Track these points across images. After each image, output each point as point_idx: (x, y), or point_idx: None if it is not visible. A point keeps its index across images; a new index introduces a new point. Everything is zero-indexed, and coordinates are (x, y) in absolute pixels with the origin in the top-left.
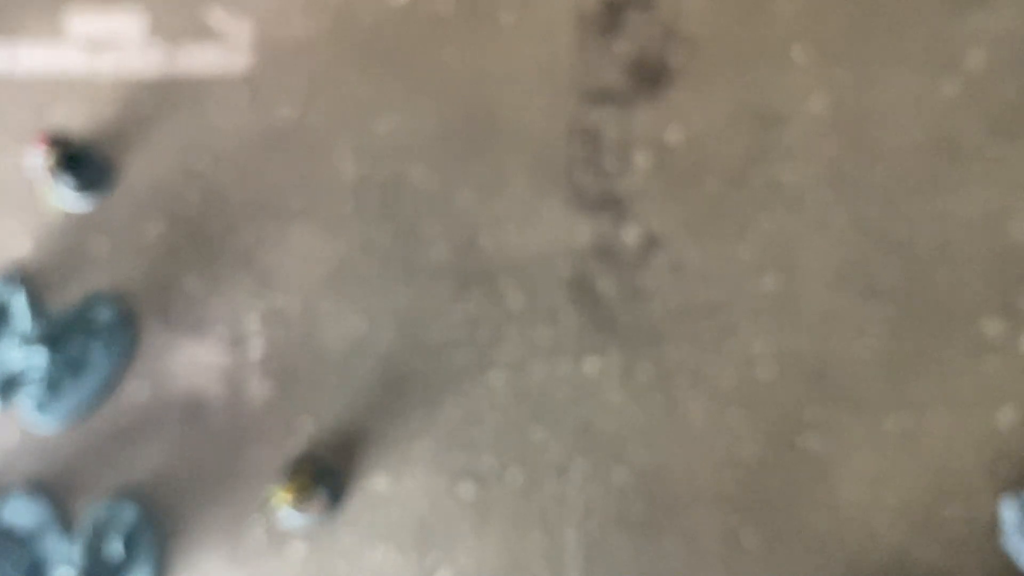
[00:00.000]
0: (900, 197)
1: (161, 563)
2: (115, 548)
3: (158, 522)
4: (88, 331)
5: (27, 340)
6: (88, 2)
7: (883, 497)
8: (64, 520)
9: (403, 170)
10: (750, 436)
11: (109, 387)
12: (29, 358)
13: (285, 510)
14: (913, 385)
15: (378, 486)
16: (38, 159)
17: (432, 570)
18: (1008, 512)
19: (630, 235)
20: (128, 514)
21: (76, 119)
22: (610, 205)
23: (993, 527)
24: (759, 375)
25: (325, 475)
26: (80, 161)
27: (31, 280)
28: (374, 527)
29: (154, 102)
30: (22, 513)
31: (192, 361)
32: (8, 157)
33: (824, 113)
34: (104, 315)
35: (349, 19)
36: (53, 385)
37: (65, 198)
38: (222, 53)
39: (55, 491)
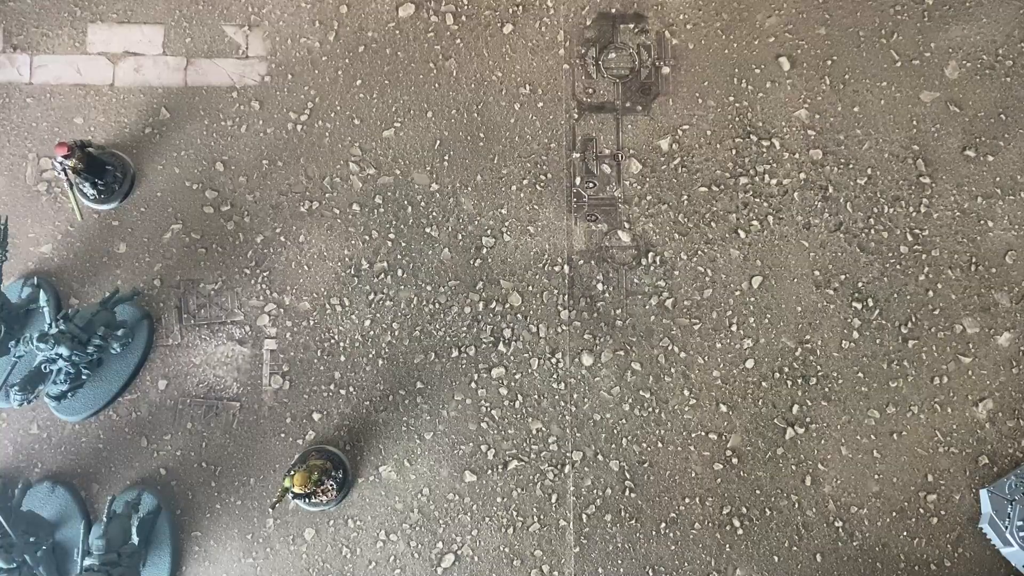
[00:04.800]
0: (881, 202)
1: (177, 550)
2: (133, 536)
3: (174, 511)
4: (108, 328)
5: (50, 337)
6: (109, 17)
7: (865, 487)
8: (84, 509)
9: (408, 176)
10: (738, 430)
11: (128, 382)
12: (51, 354)
13: (295, 500)
14: (894, 382)
15: (384, 478)
16: (61, 165)
17: (435, 558)
18: (987, 502)
19: (624, 238)
20: (145, 503)
21: (97, 127)
22: (605, 210)
23: (971, 516)
24: (747, 372)
25: (333, 467)
26: (100, 167)
27: (53, 280)
28: (380, 517)
29: (171, 111)
30: (45, 502)
31: (206, 357)
32: (32, 164)
33: (808, 122)
34: (123, 313)
35: (356, 33)
36: (74, 380)
37: (86, 202)
38: (236, 65)
39: (76, 481)
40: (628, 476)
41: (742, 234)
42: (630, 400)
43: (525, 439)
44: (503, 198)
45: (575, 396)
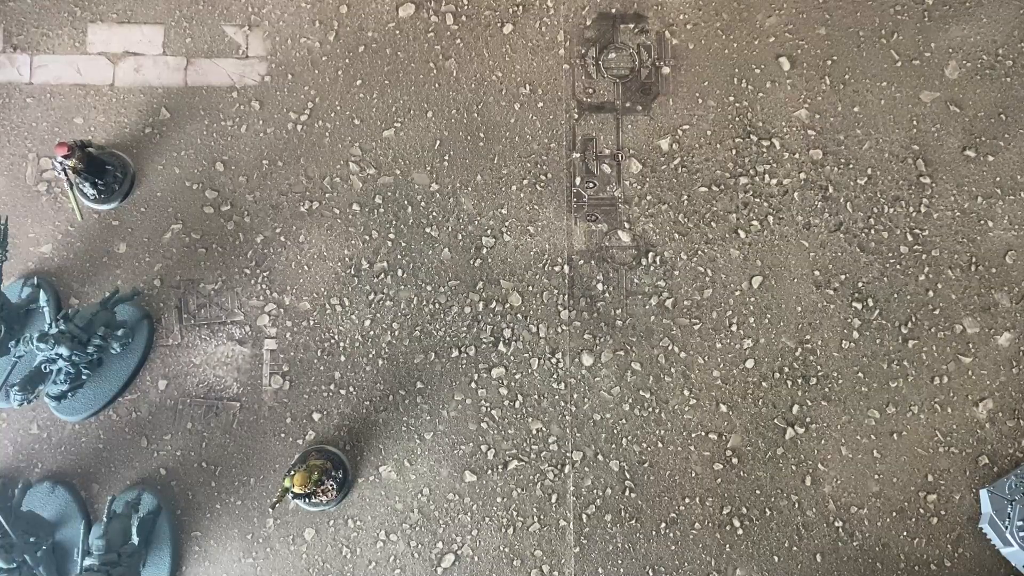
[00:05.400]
0: (881, 202)
1: (176, 550)
2: (133, 536)
3: (174, 511)
4: (108, 328)
5: (50, 337)
6: (109, 17)
7: (865, 487)
8: (84, 509)
9: (408, 176)
10: (738, 430)
11: (128, 382)
12: (51, 354)
13: (295, 500)
14: (894, 382)
15: (384, 478)
16: (61, 165)
17: (436, 558)
18: (987, 502)
19: (624, 238)
20: (145, 503)
21: (97, 127)
22: (605, 210)
23: (971, 516)
24: (747, 372)
25: (333, 467)
26: (100, 167)
27: (53, 280)
28: (380, 517)
29: (171, 111)
30: (45, 502)
31: (206, 357)
32: (32, 164)
33: (808, 122)
34: (123, 313)
35: (356, 33)
36: (74, 380)
37: (86, 202)
38: (236, 65)
39: (76, 481)
40: (628, 476)
41: (742, 234)
42: (630, 400)
43: (525, 439)
44: (503, 198)
45: (575, 396)
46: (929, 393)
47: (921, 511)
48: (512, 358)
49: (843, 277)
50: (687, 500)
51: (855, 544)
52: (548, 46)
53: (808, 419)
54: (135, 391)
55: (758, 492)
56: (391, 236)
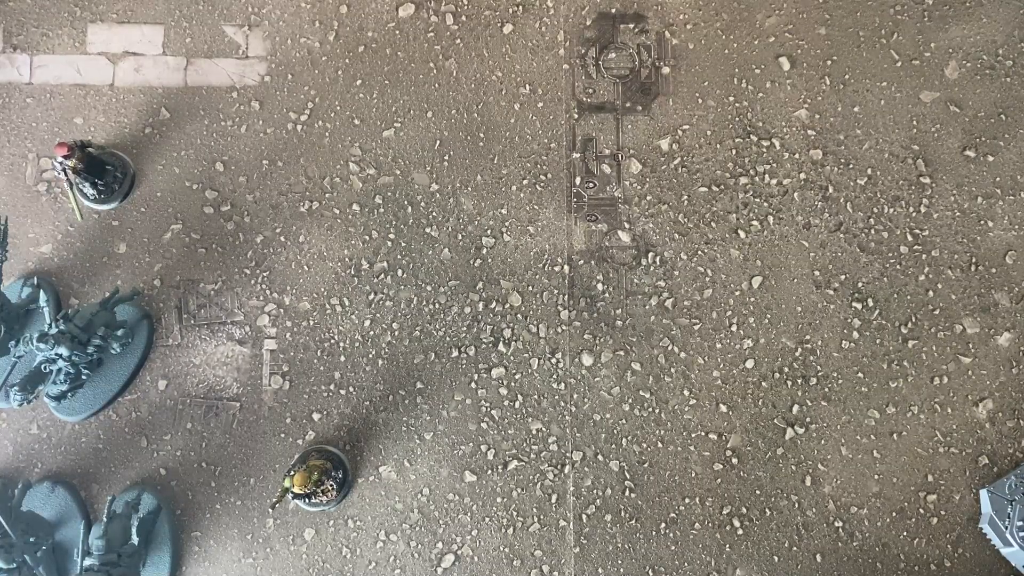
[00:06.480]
0: (881, 202)
1: (177, 550)
2: (133, 536)
3: (174, 511)
4: (108, 328)
5: (50, 337)
6: (109, 17)
7: (865, 487)
8: (84, 509)
9: (408, 176)
10: (738, 430)
11: (128, 382)
12: (51, 354)
13: (295, 500)
14: (894, 382)
15: (384, 478)
16: (61, 165)
17: (435, 558)
18: (987, 502)
19: (624, 238)
20: (145, 503)
21: (97, 127)
22: (605, 210)
23: (971, 516)
24: (747, 372)
25: (333, 467)
26: (100, 167)
27: (53, 280)
28: (380, 517)
29: (171, 111)
30: (45, 502)
31: (206, 357)
32: (32, 164)
33: (808, 122)
34: (123, 313)
35: (356, 33)
36: (74, 380)
37: (86, 202)
38: (236, 65)
39: (76, 481)
40: (628, 476)
41: (742, 234)
42: (630, 400)
43: (525, 439)
44: (503, 198)
45: (575, 396)
46: (929, 393)
47: (921, 511)
48: (512, 358)
49: (843, 277)
50: (687, 500)
51: (855, 544)
52: (548, 46)
53: (808, 419)
54: (135, 391)
55: (758, 492)
56: (391, 236)
